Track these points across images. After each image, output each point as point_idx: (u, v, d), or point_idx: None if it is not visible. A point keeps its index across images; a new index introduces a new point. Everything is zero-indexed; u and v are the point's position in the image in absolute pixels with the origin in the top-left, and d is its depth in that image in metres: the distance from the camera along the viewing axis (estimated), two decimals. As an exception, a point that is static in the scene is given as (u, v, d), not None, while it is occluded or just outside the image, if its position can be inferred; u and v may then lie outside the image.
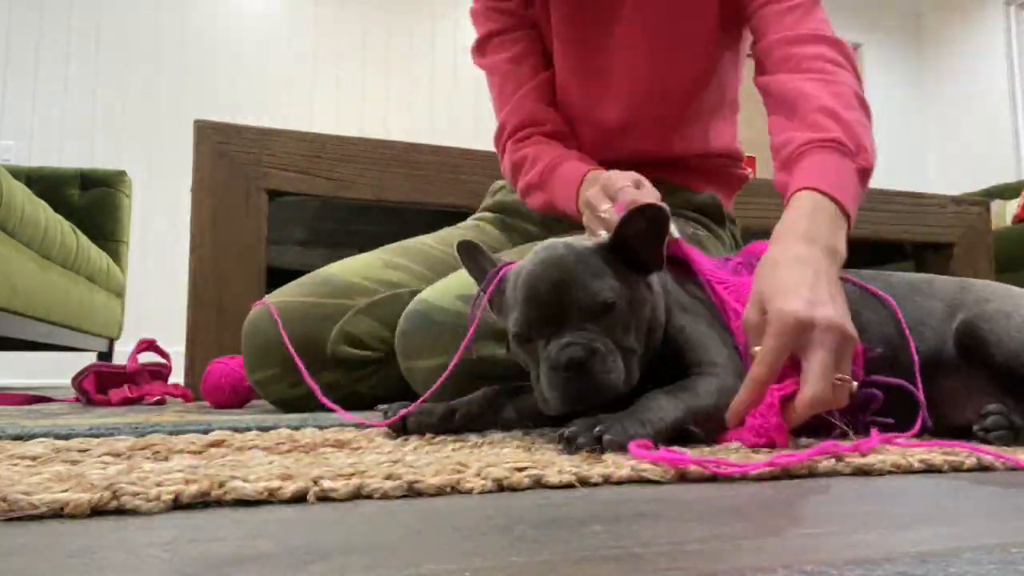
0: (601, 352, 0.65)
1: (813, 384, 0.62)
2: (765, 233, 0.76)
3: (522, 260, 0.73)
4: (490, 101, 1.21)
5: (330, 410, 0.80)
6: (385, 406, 0.77)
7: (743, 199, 1.33)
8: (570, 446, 0.59)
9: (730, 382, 0.68)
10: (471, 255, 0.79)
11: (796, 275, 0.68)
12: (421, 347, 0.95)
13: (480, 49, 1.19)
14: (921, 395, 0.71)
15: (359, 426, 0.79)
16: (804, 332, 0.63)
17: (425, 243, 1.23)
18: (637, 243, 0.71)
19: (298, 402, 1.11)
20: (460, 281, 0.96)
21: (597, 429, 0.58)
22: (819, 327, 0.63)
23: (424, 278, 1.13)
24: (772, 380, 0.64)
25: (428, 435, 0.72)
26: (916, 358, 0.73)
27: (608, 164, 1.03)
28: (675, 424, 0.64)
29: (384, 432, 0.74)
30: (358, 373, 1.11)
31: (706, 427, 0.67)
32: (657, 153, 1.14)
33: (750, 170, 1.78)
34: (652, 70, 1.12)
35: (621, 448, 0.57)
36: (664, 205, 0.71)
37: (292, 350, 0.96)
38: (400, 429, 0.73)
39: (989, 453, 0.57)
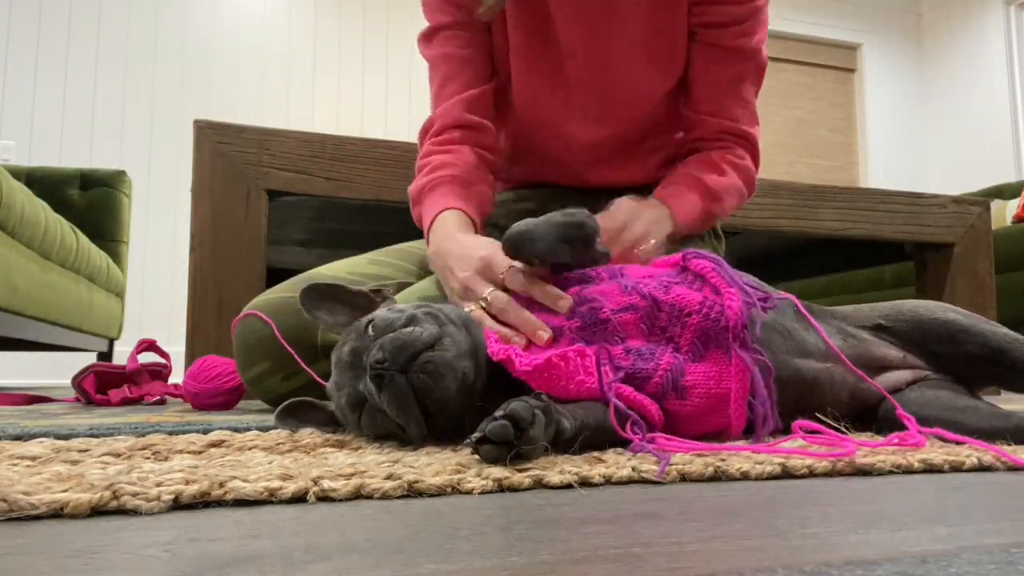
0: (413, 315, 0.65)
1: None
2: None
3: None
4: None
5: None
6: None
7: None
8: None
9: None
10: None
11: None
12: None
13: (427, 38, 1.13)
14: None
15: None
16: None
17: (413, 245, 1.23)
18: None
19: (293, 398, 1.11)
20: (424, 287, 1.01)
21: None
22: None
23: (411, 274, 1.13)
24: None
25: None
26: None
27: (581, 191, 1.05)
28: None
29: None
30: None
31: None
32: (630, 178, 1.14)
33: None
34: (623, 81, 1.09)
35: None
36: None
37: (281, 338, 0.98)
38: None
39: (991, 450, 0.57)
